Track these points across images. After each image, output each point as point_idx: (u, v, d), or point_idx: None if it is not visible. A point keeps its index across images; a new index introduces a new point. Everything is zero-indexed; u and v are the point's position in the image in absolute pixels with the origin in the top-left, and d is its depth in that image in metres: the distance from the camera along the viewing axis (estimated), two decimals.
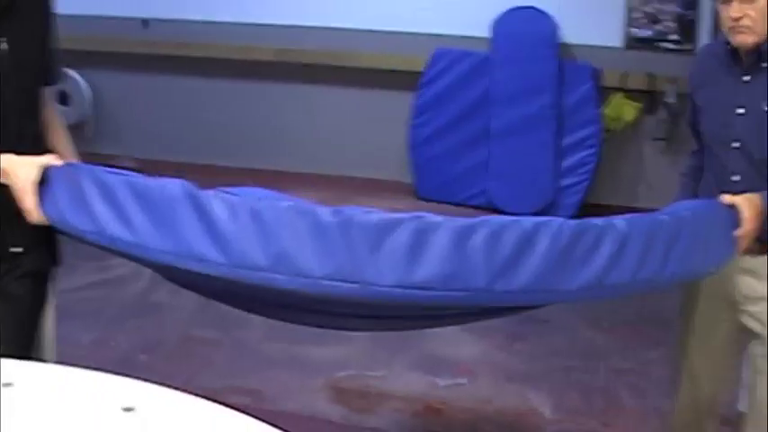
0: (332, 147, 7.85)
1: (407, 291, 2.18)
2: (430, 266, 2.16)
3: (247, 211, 2.20)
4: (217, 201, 2.23)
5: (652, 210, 2.89)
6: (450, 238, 2.17)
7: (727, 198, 2.74)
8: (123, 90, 8.16)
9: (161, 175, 2.39)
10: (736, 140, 2.95)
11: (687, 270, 2.55)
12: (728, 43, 2.91)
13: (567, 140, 7.13)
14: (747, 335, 3.12)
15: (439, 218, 2.22)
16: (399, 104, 7.42)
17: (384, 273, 2.15)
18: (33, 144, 2.72)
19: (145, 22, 8.02)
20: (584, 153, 7.13)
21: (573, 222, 2.28)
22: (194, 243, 2.22)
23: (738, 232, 2.70)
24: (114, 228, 2.30)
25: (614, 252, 2.29)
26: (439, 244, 2.17)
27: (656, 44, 7.25)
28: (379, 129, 7.68)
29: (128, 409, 1.95)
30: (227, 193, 2.29)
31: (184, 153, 8.00)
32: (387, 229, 2.17)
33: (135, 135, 8.17)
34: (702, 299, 3.16)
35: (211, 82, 8.02)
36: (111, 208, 2.32)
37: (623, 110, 7.21)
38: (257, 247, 2.18)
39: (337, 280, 2.17)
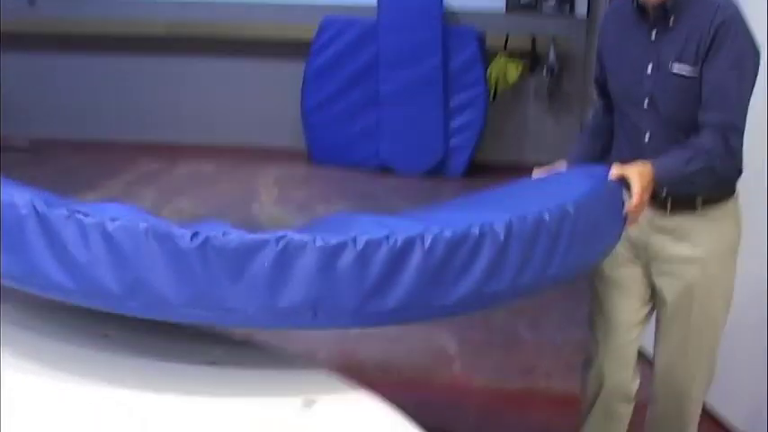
0: (226, 118, 8.02)
1: (273, 317, 2.06)
2: (295, 291, 2.03)
3: (100, 235, 2.04)
4: (67, 222, 2.05)
5: (537, 164, 3.03)
6: (316, 261, 2.03)
7: (616, 171, 2.65)
8: (12, 69, 8.13)
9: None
10: (646, 99, 2.85)
11: (572, 267, 2.42)
12: (635, 0, 2.83)
13: (455, 102, 7.42)
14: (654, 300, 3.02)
15: (305, 236, 2.05)
16: (291, 73, 7.63)
17: (247, 299, 2.03)
18: None
19: (31, 1, 8.02)
20: (471, 113, 7.43)
21: (448, 233, 2.12)
22: (43, 267, 2.07)
23: (629, 207, 2.63)
24: None
25: (492, 261, 2.17)
26: (304, 267, 2.03)
27: (536, 7, 7.60)
28: (272, 98, 7.90)
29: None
30: (80, 212, 2.08)
31: (79, 131, 8.04)
32: (248, 252, 2.02)
33: (27, 114, 8.14)
34: (613, 266, 2.98)
35: (102, 58, 8.07)
36: None
37: (507, 71, 7.54)
38: (110, 273, 2.03)
39: (197, 307, 2.04)
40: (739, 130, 2.76)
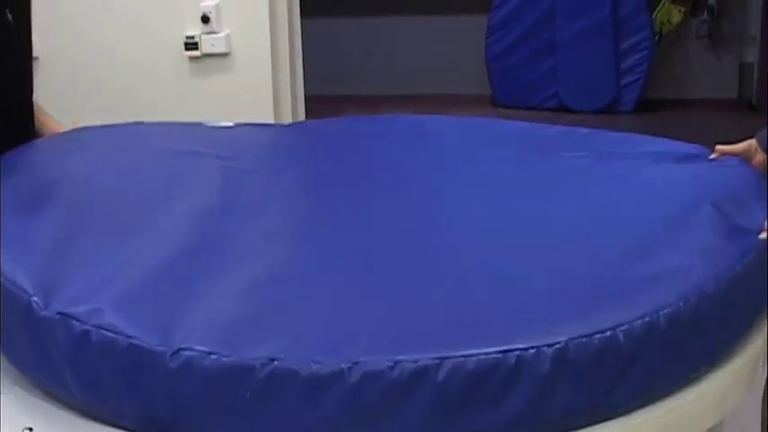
0: (419, 69, 8.93)
1: None
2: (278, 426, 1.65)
3: (78, 346, 1.74)
4: (54, 327, 1.77)
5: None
6: (302, 394, 1.61)
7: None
8: None
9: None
10: None
11: (663, 384, 1.76)
12: None
13: (624, 45, 8.16)
14: None
15: (294, 363, 1.61)
16: (475, 26, 8.50)
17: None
18: (30, 111, 2.77)
19: None
20: (639, 55, 8.17)
21: (471, 365, 1.59)
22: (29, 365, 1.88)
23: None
24: None
25: (531, 395, 1.61)
26: (290, 400, 1.61)
27: None
28: (459, 49, 8.80)
29: None
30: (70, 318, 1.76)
31: None
32: (229, 379, 1.64)
33: None
34: None
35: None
36: None
37: (671, 14, 8.30)
38: (77, 383, 1.77)
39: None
40: None
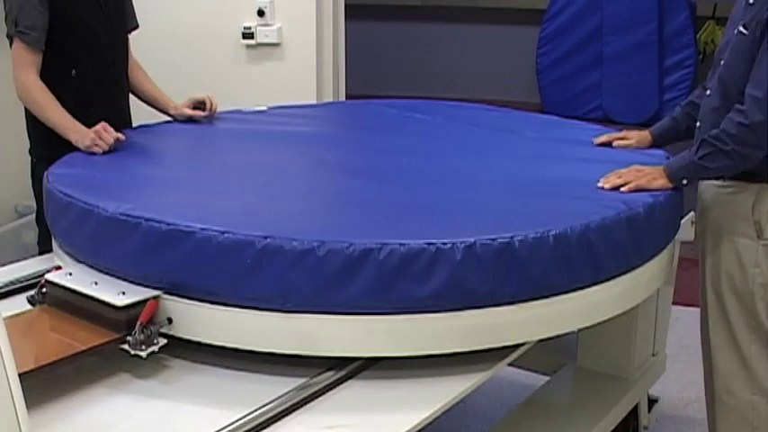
0: (472, 76, 9.46)
1: (248, 301, 2.24)
2: (268, 282, 2.19)
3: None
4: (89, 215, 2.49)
5: None
6: (287, 261, 2.18)
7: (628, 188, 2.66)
8: None
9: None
10: (721, 59, 2.80)
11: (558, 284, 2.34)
12: None
13: (668, 62, 8.56)
14: None
15: (281, 242, 2.18)
16: (527, 37, 8.99)
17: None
18: (126, 81, 3.47)
19: None
20: (682, 72, 8.57)
21: (404, 249, 2.15)
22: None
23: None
24: None
25: (448, 276, 2.16)
26: (277, 264, 2.18)
27: None
28: (511, 59, 9.30)
29: None
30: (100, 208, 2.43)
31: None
32: (234, 249, 2.20)
33: None
34: None
35: (360, 24, 9.55)
36: None
37: (715, 35, 8.71)
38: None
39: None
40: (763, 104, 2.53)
